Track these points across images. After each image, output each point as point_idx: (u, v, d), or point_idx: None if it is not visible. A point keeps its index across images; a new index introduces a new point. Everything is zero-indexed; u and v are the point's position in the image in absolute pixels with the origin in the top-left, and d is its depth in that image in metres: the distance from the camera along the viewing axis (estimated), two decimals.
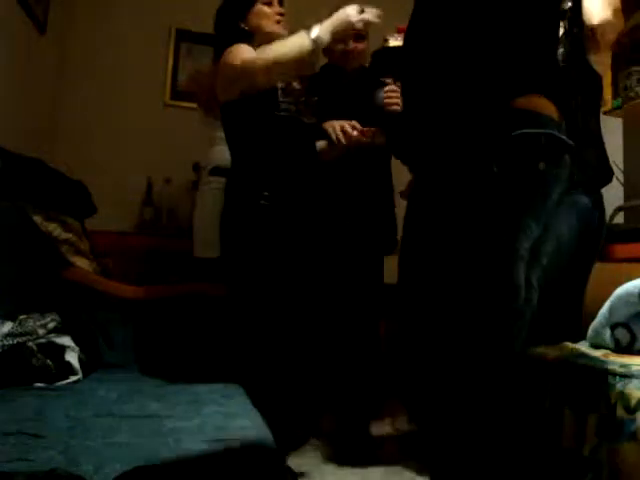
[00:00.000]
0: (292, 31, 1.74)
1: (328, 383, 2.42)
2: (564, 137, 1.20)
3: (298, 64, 1.64)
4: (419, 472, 2.10)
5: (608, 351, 1.55)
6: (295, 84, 1.85)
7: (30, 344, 1.57)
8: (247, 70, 1.68)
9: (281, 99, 1.74)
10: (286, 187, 1.75)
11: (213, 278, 2.18)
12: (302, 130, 1.80)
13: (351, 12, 1.61)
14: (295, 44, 1.63)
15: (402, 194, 2.41)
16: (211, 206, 2.21)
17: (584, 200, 1.79)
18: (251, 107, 1.71)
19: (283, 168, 1.75)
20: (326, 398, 2.44)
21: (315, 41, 1.60)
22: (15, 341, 1.56)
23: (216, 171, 2.27)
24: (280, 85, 1.75)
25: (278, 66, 1.65)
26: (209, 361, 1.89)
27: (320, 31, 1.62)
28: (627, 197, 2.63)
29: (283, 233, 1.72)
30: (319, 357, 2.35)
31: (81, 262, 2.14)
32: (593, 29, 1.67)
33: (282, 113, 1.74)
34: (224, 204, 1.82)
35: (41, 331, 1.63)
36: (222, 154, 2.19)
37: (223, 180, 2.11)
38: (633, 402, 1.23)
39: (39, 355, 1.57)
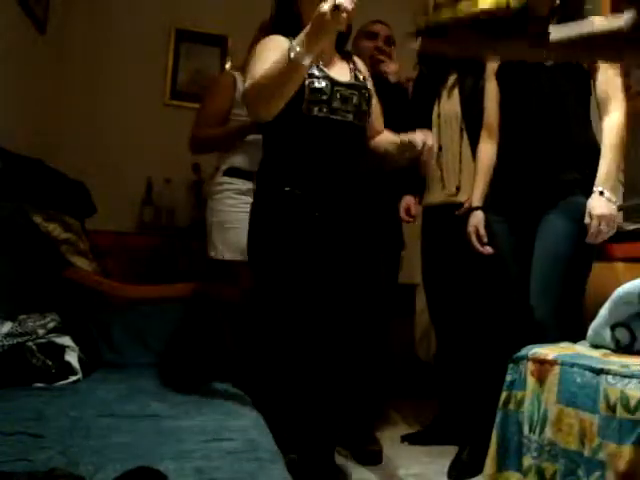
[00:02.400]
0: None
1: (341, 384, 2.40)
2: None
3: (284, 77, 1.53)
4: (419, 472, 2.11)
5: (608, 351, 1.55)
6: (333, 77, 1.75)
7: (30, 344, 1.57)
8: (248, 104, 1.65)
9: (313, 98, 1.65)
10: (316, 189, 1.69)
11: (223, 279, 2.19)
12: (332, 131, 1.70)
13: (323, 7, 1.45)
14: (276, 60, 1.53)
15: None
16: (228, 207, 2.23)
17: (581, 200, 1.80)
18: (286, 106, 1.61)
19: (310, 172, 1.69)
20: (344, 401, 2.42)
21: (291, 49, 1.48)
22: (15, 341, 1.56)
23: (231, 172, 2.27)
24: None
25: (266, 87, 1.55)
26: (210, 361, 1.89)
27: (296, 39, 1.51)
28: (627, 197, 2.62)
29: (314, 232, 1.68)
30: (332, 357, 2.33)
31: (81, 262, 2.14)
32: None
33: (315, 113, 1.66)
34: (254, 200, 1.78)
35: (41, 331, 1.63)
36: (242, 157, 2.23)
37: (239, 181, 2.22)
38: (633, 402, 1.23)
39: (39, 355, 1.57)
